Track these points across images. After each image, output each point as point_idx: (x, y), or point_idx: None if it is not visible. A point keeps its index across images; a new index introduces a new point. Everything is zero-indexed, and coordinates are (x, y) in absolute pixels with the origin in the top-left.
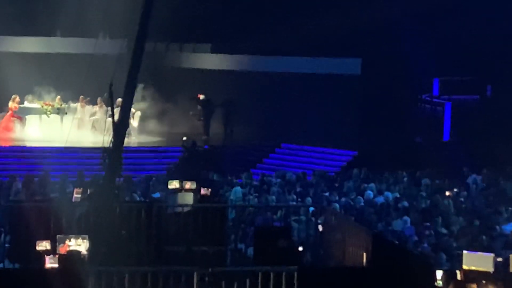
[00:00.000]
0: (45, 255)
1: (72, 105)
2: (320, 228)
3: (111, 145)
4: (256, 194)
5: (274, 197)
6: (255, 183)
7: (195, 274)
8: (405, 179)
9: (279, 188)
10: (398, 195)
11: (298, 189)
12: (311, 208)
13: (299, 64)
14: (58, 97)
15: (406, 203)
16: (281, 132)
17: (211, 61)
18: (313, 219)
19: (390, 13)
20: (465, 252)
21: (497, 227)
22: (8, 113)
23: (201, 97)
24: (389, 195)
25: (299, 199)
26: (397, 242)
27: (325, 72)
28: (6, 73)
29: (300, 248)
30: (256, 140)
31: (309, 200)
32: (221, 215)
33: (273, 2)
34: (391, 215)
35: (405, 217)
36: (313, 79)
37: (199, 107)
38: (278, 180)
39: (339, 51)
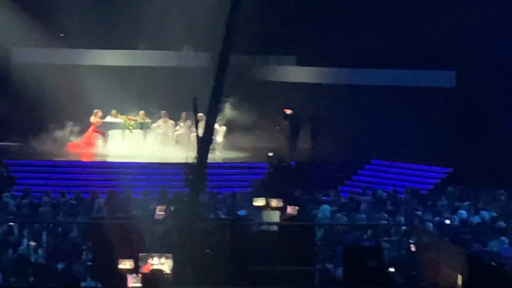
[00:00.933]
0: (128, 274)
1: (156, 120)
2: (412, 248)
3: (195, 160)
4: (345, 212)
5: (363, 215)
6: (343, 200)
7: None
8: (503, 197)
9: (369, 206)
10: (495, 214)
11: (389, 207)
12: (403, 227)
13: (389, 76)
14: (142, 111)
15: (503, 223)
16: (371, 147)
17: (297, 74)
18: (404, 238)
19: (487, 23)
20: None
21: None
22: (91, 128)
23: (288, 111)
24: (486, 214)
25: (390, 218)
26: (494, 264)
27: (417, 85)
28: (88, 87)
29: (391, 269)
30: (345, 156)
31: (400, 218)
32: (308, 234)
33: (361, 12)
34: (488, 235)
35: (503, 238)
36: (404, 92)
37: (285, 122)
38: (368, 197)
39: (432, 63)
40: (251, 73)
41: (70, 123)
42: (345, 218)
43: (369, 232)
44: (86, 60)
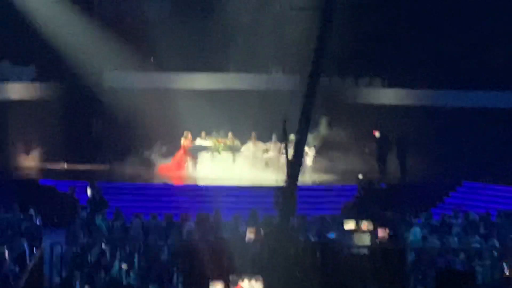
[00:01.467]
0: None
1: (245, 142)
2: (506, 272)
3: (285, 183)
4: (437, 235)
5: (456, 239)
6: (435, 223)
7: None
8: None
9: (461, 229)
10: None
11: (482, 231)
12: (496, 251)
13: (481, 98)
14: (230, 134)
15: None
16: (462, 169)
17: (386, 95)
18: (498, 262)
19: None
20: None
21: None
22: (181, 151)
23: (377, 134)
24: None
25: (483, 241)
26: None
27: (509, 106)
28: (179, 110)
29: None
30: (436, 178)
31: (494, 242)
32: (400, 257)
33: (451, 35)
34: None
35: None
36: (496, 113)
37: (374, 143)
38: (460, 220)
39: None
40: (341, 95)
41: (160, 145)
42: (437, 241)
43: (462, 255)
44: (176, 83)
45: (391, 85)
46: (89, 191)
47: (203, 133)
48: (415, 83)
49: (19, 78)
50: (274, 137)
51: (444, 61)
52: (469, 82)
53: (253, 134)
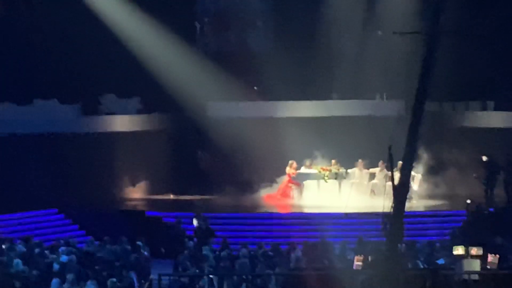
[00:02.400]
0: None
1: (350, 169)
2: None
3: (391, 210)
4: None
5: None
6: None
7: None
8: None
9: None
10: None
11: None
12: None
13: None
14: (333, 161)
15: None
16: None
17: (494, 119)
18: None
19: None
20: None
21: None
22: (286, 179)
23: (484, 158)
24: None
25: None
26: None
27: None
28: (284, 138)
29: None
30: None
31: None
32: (511, 283)
33: None
34: None
35: None
36: None
37: (482, 168)
38: None
39: None
40: (447, 120)
41: (266, 174)
42: None
43: None
44: (280, 112)
45: (497, 108)
46: (195, 222)
47: (307, 161)
48: None
49: (125, 111)
50: (381, 163)
51: None
52: None
53: (360, 161)
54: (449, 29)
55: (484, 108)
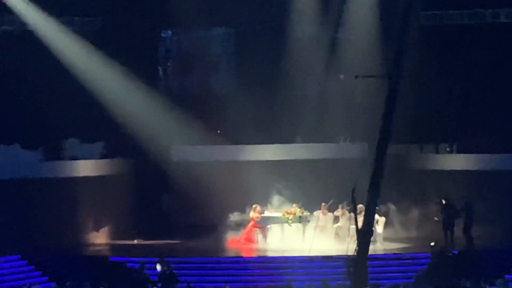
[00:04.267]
0: None
1: (314, 212)
2: None
3: (355, 253)
4: None
5: None
6: None
7: None
8: None
9: None
10: None
11: None
12: None
13: None
14: (295, 205)
15: None
16: None
17: (457, 161)
18: None
19: None
20: None
21: None
22: (250, 224)
23: (443, 201)
24: None
25: None
26: None
27: None
28: (247, 182)
29: None
30: (508, 242)
31: None
32: None
33: None
34: None
35: None
36: None
37: (443, 211)
38: None
39: None
40: (410, 162)
41: (229, 218)
42: None
43: None
44: (243, 155)
45: (461, 151)
46: (159, 267)
47: (270, 206)
48: (485, 148)
49: (88, 155)
50: (343, 206)
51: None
52: None
53: (323, 204)
54: (410, 73)
55: (449, 151)
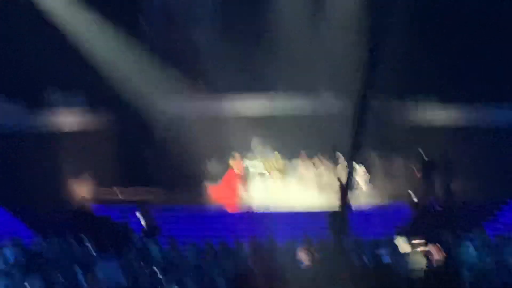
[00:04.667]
0: None
1: (294, 164)
2: None
3: (337, 207)
4: (492, 255)
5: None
6: (490, 242)
7: None
8: None
9: None
10: None
11: None
12: None
13: None
14: (279, 157)
15: None
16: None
17: (437, 115)
18: None
19: None
20: None
21: None
22: (230, 172)
23: (422, 154)
24: None
25: None
26: None
27: None
28: (229, 135)
29: None
30: (490, 196)
31: None
32: (456, 277)
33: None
34: None
35: None
36: None
37: (425, 165)
38: None
39: None
40: (393, 116)
41: (210, 167)
42: (492, 260)
43: None
44: (225, 108)
45: (442, 105)
46: (141, 218)
47: (252, 156)
48: (466, 102)
49: (69, 107)
50: (325, 160)
51: (493, 78)
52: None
53: (302, 154)
54: (394, 24)
55: (427, 105)
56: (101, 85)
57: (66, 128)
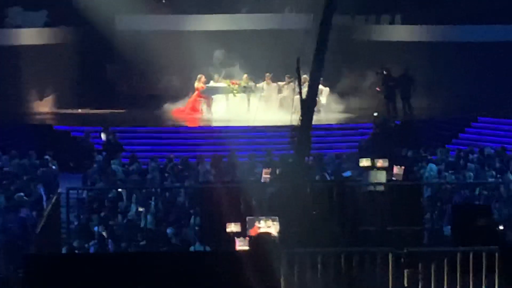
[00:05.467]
0: (235, 237)
1: (259, 83)
2: None
3: (299, 123)
4: (452, 171)
5: (471, 174)
6: (451, 159)
7: (390, 254)
8: None
9: (477, 164)
10: None
11: (497, 165)
12: None
13: (496, 32)
14: (245, 75)
15: None
16: (478, 105)
17: (400, 32)
18: None
19: None
20: None
21: None
22: (195, 94)
23: (385, 71)
24: None
25: (499, 175)
26: None
27: None
28: (192, 52)
29: (501, 227)
30: (451, 114)
31: (509, 176)
32: (416, 194)
33: None
34: None
35: None
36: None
37: (387, 81)
38: (476, 155)
39: None
40: (353, 33)
41: (174, 87)
42: (452, 176)
43: (478, 190)
44: (188, 25)
45: (403, 22)
46: (103, 136)
47: (216, 76)
48: (429, 19)
49: (31, 24)
50: (287, 77)
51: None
52: (484, 16)
53: (267, 74)
54: None
55: (392, 22)
56: (63, 2)
57: (27, 45)
